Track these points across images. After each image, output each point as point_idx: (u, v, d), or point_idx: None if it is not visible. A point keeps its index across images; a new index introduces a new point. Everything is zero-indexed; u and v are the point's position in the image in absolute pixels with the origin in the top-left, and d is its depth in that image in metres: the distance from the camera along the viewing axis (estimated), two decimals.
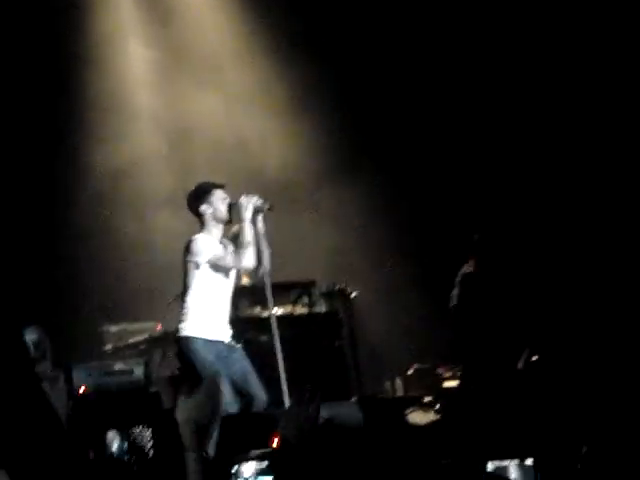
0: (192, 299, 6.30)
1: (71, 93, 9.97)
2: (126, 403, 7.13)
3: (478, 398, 6.95)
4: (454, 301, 7.67)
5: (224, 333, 6.36)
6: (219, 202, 6.37)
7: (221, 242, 6.41)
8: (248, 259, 6.25)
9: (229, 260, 6.25)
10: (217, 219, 6.37)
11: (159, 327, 9.14)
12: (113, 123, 10.15)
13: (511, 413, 6.04)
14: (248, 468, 5.01)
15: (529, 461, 4.80)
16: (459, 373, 8.28)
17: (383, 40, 10.27)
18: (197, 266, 6.25)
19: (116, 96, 10.23)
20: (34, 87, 9.68)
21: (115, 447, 6.22)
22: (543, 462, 4.83)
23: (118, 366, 7.68)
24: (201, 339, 6.23)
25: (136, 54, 10.34)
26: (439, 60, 10.16)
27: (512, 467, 4.82)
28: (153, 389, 7.87)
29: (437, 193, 10.27)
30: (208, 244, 6.29)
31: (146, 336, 9.06)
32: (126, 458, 6.02)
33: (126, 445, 6.16)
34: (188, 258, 6.28)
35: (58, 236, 9.72)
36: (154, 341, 8.99)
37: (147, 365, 7.86)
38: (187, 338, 6.26)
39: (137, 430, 5.86)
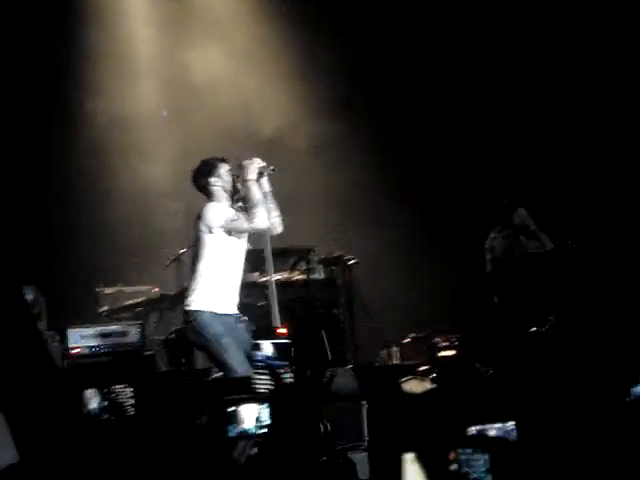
0: (205, 269, 6.26)
1: (71, 45, 9.89)
2: (120, 365, 7.12)
3: (474, 367, 6.94)
4: (489, 266, 7.65)
5: (233, 305, 6.32)
6: (227, 175, 6.38)
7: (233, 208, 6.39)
8: (261, 218, 6.23)
9: (243, 222, 6.22)
10: (226, 190, 6.38)
11: (156, 290, 9.13)
12: (113, 76, 10.06)
13: (503, 380, 6.05)
14: (247, 410, 4.94)
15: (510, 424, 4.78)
16: (455, 342, 8.28)
17: (390, 8, 10.16)
18: (211, 232, 6.22)
19: (117, 51, 10.11)
20: (33, 40, 9.60)
21: (94, 405, 6.22)
22: (524, 425, 4.81)
23: (113, 328, 7.65)
24: (209, 312, 6.20)
25: (138, 10, 10.23)
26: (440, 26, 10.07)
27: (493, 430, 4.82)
28: (148, 352, 7.85)
29: (443, 157, 10.19)
30: (222, 210, 6.29)
31: (142, 299, 9.04)
32: (105, 416, 6.02)
33: (106, 403, 6.17)
34: (201, 226, 6.25)
35: (53, 196, 9.66)
36: (150, 304, 8.97)
37: (142, 328, 7.82)
38: (195, 312, 6.22)
39: (117, 388, 5.84)
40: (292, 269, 8.84)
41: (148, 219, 9.89)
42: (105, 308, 9.10)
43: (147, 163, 9.99)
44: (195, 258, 6.31)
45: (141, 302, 9.01)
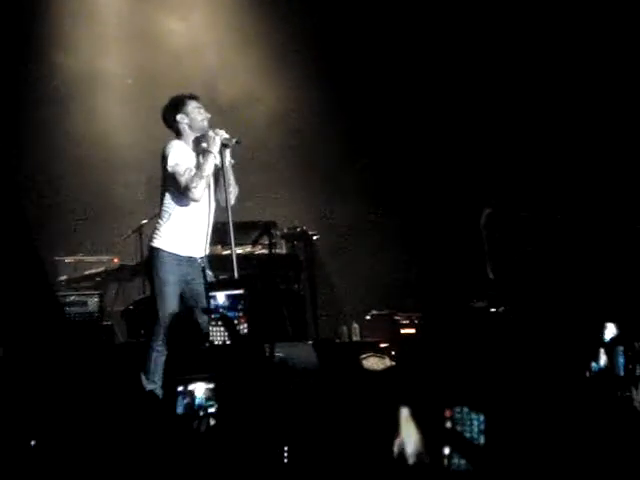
0: (165, 210, 6.24)
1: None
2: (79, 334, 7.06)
3: (435, 345, 6.93)
4: (487, 245, 7.63)
5: (197, 250, 6.27)
6: (195, 111, 6.32)
7: (196, 152, 6.32)
8: (198, 190, 6.16)
9: (182, 180, 6.15)
10: (193, 128, 6.32)
11: (116, 260, 9.05)
12: (81, 35, 9.91)
13: (466, 361, 6.05)
14: (198, 388, 4.93)
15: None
16: (416, 320, 8.28)
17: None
18: (167, 170, 6.19)
19: (85, 9, 9.98)
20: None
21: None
22: (493, 412, 4.82)
23: (72, 297, 7.57)
24: (169, 254, 6.18)
25: None
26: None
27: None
28: (106, 322, 7.78)
29: (413, 141, 10.14)
30: (178, 150, 6.22)
31: (102, 269, 8.97)
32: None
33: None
34: (161, 163, 6.22)
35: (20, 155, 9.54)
36: (110, 274, 8.90)
37: (101, 298, 7.75)
38: (155, 249, 6.21)
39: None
40: (255, 243, 8.79)
41: (110, 189, 9.78)
42: (64, 277, 9.01)
43: (110, 129, 9.88)
44: (160, 195, 6.28)
45: (101, 272, 8.93)
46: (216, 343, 5.52)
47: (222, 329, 5.55)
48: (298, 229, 9.13)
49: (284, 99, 10.20)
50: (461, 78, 9.83)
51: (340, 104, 10.15)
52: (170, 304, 6.13)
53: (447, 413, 4.33)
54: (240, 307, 5.60)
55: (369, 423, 4.85)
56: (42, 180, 9.55)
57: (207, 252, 6.36)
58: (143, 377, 5.99)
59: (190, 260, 6.24)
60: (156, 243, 6.22)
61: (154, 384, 5.98)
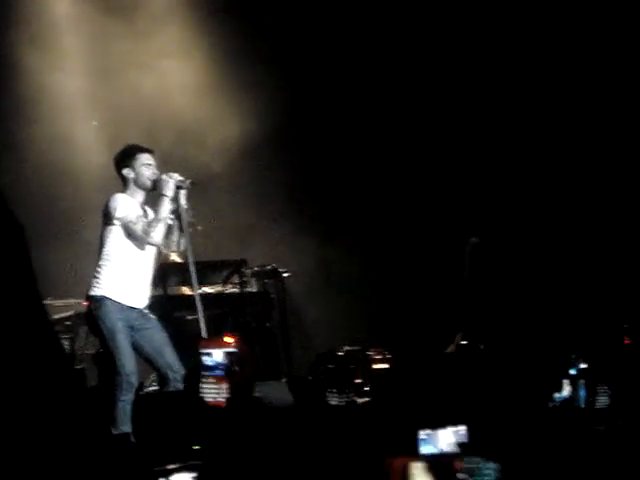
0: (106, 257, 6.20)
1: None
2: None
3: (407, 379, 6.94)
4: (467, 272, 7.65)
5: (139, 300, 6.23)
6: (143, 167, 6.27)
7: (143, 209, 6.29)
8: (157, 234, 6.16)
9: (139, 228, 6.14)
10: (138, 184, 6.28)
11: (85, 304, 8.98)
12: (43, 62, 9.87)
13: (440, 390, 6.06)
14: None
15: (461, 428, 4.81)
16: (388, 356, 8.28)
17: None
18: (111, 222, 6.15)
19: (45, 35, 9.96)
20: None
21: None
22: (475, 428, 4.85)
23: None
24: (112, 302, 6.13)
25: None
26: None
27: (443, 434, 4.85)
28: (78, 366, 7.72)
29: (375, 169, 10.14)
30: (124, 203, 6.19)
31: (71, 312, 8.90)
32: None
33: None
34: (104, 214, 6.20)
35: None
36: (80, 317, 8.82)
37: (72, 341, 7.69)
38: (97, 298, 6.16)
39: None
40: (225, 282, 8.79)
41: (76, 230, 9.71)
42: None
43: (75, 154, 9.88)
44: (100, 245, 6.24)
45: (71, 316, 8.86)
46: (207, 400, 5.48)
47: (215, 386, 5.51)
48: (268, 267, 9.13)
49: (252, 137, 10.23)
50: (448, 95, 9.86)
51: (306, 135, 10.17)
52: (125, 350, 6.06)
53: (457, 465, 4.33)
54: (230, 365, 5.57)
55: (347, 461, 4.85)
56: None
57: (147, 302, 6.32)
58: (112, 427, 5.92)
59: (133, 309, 6.21)
60: (97, 292, 6.17)
61: (123, 430, 5.92)
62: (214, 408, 5.43)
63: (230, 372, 5.51)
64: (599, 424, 5.39)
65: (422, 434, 4.68)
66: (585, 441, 5.11)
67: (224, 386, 5.47)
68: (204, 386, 5.51)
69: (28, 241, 4.20)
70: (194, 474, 4.58)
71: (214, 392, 5.49)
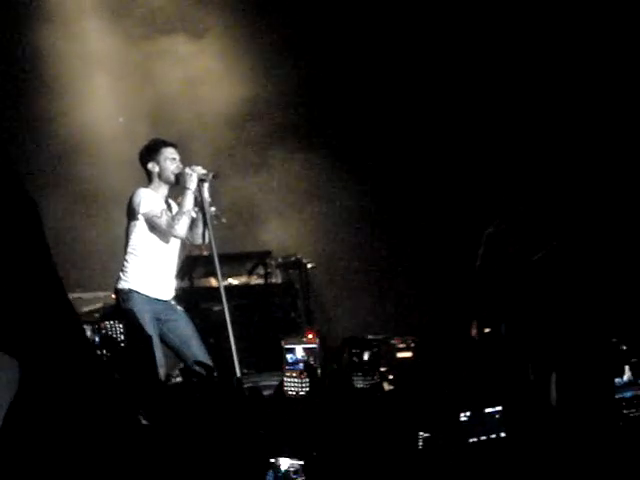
0: (131, 252, 6.30)
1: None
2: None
3: (431, 368, 7.01)
4: (479, 260, 7.70)
5: (165, 292, 6.33)
6: (167, 161, 6.36)
7: (167, 202, 6.39)
8: (181, 227, 6.24)
9: (163, 221, 6.23)
10: (162, 178, 6.37)
11: (113, 296, 9.10)
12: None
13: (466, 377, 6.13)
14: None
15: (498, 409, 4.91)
16: (412, 344, 8.34)
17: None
18: (135, 217, 6.24)
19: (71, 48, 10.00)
20: None
21: None
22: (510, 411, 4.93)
23: None
24: (139, 294, 6.23)
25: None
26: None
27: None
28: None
29: (402, 156, 10.15)
30: (148, 197, 6.28)
31: (100, 305, 9.01)
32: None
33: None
34: (128, 209, 6.29)
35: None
36: (108, 310, 8.93)
37: (99, 333, 7.78)
38: (125, 291, 6.26)
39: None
40: (250, 274, 8.87)
41: (103, 224, 9.82)
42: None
43: (102, 166, 9.94)
44: (125, 239, 6.34)
45: (99, 309, 8.97)
46: (290, 394, 5.57)
47: (297, 380, 5.59)
48: (293, 258, 9.21)
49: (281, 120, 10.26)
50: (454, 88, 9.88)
51: (335, 122, 10.20)
52: (152, 342, 6.07)
53: None
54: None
55: (369, 448, 4.92)
56: None
57: (174, 293, 6.42)
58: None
59: (159, 301, 6.30)
60: (125, 285, 6.28)
61: None
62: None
63: (309, 367, 5.61)
64: None
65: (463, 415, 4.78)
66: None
67: (305, 380, 5.57)
68: (287, 380, 5.61)
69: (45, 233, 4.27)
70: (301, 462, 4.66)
71: (296, 386, 5.59)
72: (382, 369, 7.49)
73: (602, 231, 8.31)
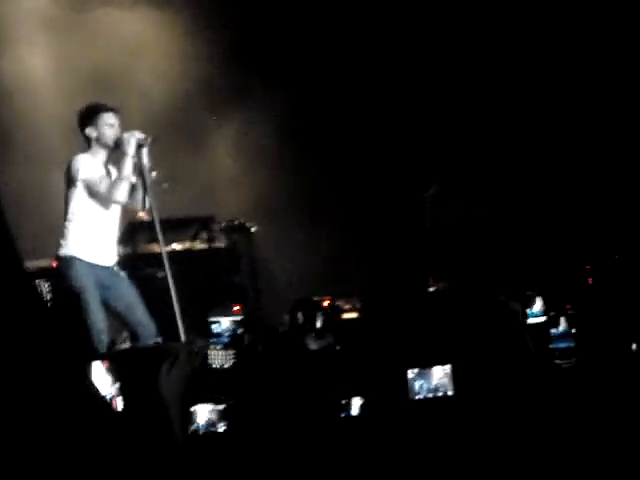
0: (71, 218, 6.20)
1: None
2: None
3: (377, 327, 7.06)
4: (428, 223, 7.73)
5: (108, 258, 6.27)
6: (105, 127, 6.25)
7: (106, 167, 6.31)
8: (121, 193, 6.15)
9: (103, 187, 6.15)
10: (101, 143, 6.26)
11: (55, 263, 8.98)
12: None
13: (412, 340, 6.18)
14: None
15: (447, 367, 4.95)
16: (357, 305, 8.39)
17: None
18: (74, 184, 6.15)
19: None
20: None
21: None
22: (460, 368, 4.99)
23: None
24: (81, 261, 6.15)
25: None
26: None
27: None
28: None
29: (349, 117, 10.14)
30: (87, 164, 6.18)
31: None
32: None
33: None
34: (67, 176, 6.18)
35: None
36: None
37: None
38: (66, 258, 6.17)
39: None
40: (194, 238, 8.83)
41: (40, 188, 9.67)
42: None
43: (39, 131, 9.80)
44: (65, 205, 6.23)
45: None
46: (214, 367, 5.54)
47: (221, 352, 5.55)
48: (236, 222, 9.18)
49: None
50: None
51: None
52: (95, 308, 6.06)
53: None
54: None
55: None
56: None
57: (116, 260, 6.34)
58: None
59: (102, 267, 6.23)
60: (65, 252, 6.19)
61: None
62: None
63: (236, 339, 5.59)
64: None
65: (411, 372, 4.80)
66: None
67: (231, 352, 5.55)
68: (211, 353, 5.58)
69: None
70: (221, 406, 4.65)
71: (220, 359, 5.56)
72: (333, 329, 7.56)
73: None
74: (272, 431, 4.98)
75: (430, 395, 5.08)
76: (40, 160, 9.62)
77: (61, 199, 6.31)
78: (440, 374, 5.17)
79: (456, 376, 5.08)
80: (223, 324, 5.62)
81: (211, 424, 4.95)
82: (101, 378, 5.01)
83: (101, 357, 5.63)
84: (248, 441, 4.91)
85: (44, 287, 8.37)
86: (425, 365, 5.06)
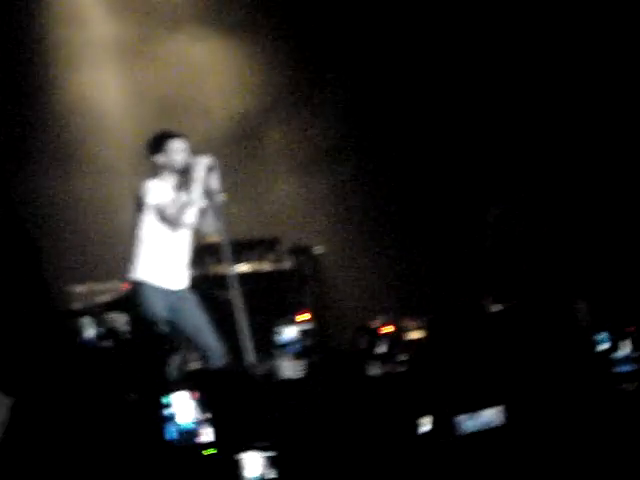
0: (142, 243, 6.33)
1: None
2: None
3: (444, 348, 7.04)
4: (489, 240, 7.76)
5: (177, 282, 6.38)
6: (174, 152, 6.38)
7: (175, 192, 6.41)
8: (189, 216, 6.27)
9: (171, 211, 6.26)
10: (171, 169, 6.38)
11: (126, 286, 9.12)
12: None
13: (477, 362, 6.15)
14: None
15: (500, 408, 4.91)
16: (423, 325, 8.38)
17: None
18: (144, 209, 6.28)
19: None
20: None
21: (90, 333, 6.22)
22: (513, 408, 4.95)
23: None
24: (151, 285, 6.27)
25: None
26: None
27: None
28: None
29: (404, 136, 10.20)
30: (156, 188, 6.31)
31: (112, 296, 9.03)
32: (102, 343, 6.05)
33: (102, 330, 6.16)
34: (137, 201, 6.32)
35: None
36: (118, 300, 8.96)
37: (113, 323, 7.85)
38: (137, 282, 6.30)
39: (112, 315, 5.87)
40: (259, 260, 8.92)
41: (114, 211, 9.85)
42: (77, 306, 9.08)
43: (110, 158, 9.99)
44: (135, 230, 6.35)
45: (112, 300, 8.99)
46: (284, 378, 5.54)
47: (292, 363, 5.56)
48: (302, 244, 9.26)
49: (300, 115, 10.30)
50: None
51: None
52: (165, 333, 6.20)
53: None
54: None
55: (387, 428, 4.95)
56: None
57: (187, 283, 6.45)
58: None
59: (172, 291, 6.35)
60: (136, 276, 6.31)
61: None
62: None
63: (306, 349, 5.58)
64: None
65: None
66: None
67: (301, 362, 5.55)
68: (280, 364, 5.58)
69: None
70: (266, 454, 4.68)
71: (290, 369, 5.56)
72: (394, 351, 7.57)
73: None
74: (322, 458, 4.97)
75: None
76: (107, 186, 9.82)
77: (127, 225, 6.48)
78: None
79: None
80: (289, 333, 5.62)
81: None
82: (183, 407, 5.08)
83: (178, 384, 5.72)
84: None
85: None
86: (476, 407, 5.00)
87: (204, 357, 6.37)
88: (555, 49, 9.54)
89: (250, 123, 10.26)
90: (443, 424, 4.87)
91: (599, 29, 9.28)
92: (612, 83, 9.29)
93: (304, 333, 5.55)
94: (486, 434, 4.84)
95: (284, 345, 5.60)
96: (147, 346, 6.06)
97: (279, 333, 5.66)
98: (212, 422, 4.95)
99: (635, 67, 9.23)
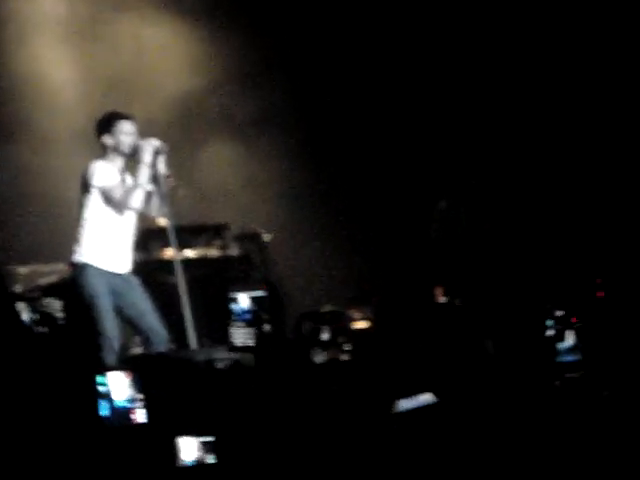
0: (86, 225, 6.28)
1: None
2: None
3: (389, 337, 7.06)
4: (433, 235, 7.78)
5: (121, 265, 6.34)
6: (122, 134, 6.32)
7: (122, 174, 6.36)
8: (135, 200, 6.22)
9: (117, 194, 6.21)
10: (118, 151, 6.33)
11: (69, 268, 9.03)
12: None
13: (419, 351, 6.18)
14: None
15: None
16: (369, 315, 8.40)
17: None
18: (90, 190, 6.21)
19: None
20: None
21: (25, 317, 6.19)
22: (446, 399, 4.98)
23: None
24: (95, 268, 6.22)
25: None
26: None
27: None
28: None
29: (358, 130, 10.20)
30: (103, 170, 6.25)
31: (57, 277, 8.95)
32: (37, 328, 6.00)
33: (37, 316, 6.11)
34: (83, 181, 6.26)
35: None
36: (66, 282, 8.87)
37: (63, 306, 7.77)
38: (81, 265, 6.24)
39: (47, 300, 5.82)
40: (207, 245, 8.88)
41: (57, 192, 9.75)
42: (19, 288, 8.98)
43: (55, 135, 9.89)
44: (80, 211, 6.30)
45: (56, 281, 8.91)
46: (238, 344, 5.53)
47: (244, 330, 5.54)
48: (249, 230, 9.22)
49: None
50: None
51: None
52: (107, 315, 6.14)
53: None
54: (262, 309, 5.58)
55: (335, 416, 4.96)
56: None
57: (130, 267, 6.41)
58: None
59: (115, 274, 6.30)
60: (79, 258, 6.26)
61: None
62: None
63: (258, 317, 5.56)
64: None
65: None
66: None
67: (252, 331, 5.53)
68: (234, 331, 5.57)
69: None
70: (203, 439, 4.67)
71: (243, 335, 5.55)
72: (340, 339, 7.57)
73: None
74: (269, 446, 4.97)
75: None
76: (55, 164, 9.71)
77: (75, 204, 6.41)
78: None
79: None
80: (243, 301, 5.59)
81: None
82: (118, 387, 5.06)
83: (114, 366, 5.68)
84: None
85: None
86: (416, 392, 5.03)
87: (146, 341, 6.34)
88: (529, 42, 9.57)
89: (197, 105, 10.19)
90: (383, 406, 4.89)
91: (594, 28, 9.31)
92: (590, 78, 9.35)
93: (258, 302, 5.51)
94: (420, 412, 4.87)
95: (237, 313, 5.57)
96: (83, 330, 6.01)
97: (234, 300, 5.63)
98: (145, 404, 4.93)
99: (624, 65, 9.26)
